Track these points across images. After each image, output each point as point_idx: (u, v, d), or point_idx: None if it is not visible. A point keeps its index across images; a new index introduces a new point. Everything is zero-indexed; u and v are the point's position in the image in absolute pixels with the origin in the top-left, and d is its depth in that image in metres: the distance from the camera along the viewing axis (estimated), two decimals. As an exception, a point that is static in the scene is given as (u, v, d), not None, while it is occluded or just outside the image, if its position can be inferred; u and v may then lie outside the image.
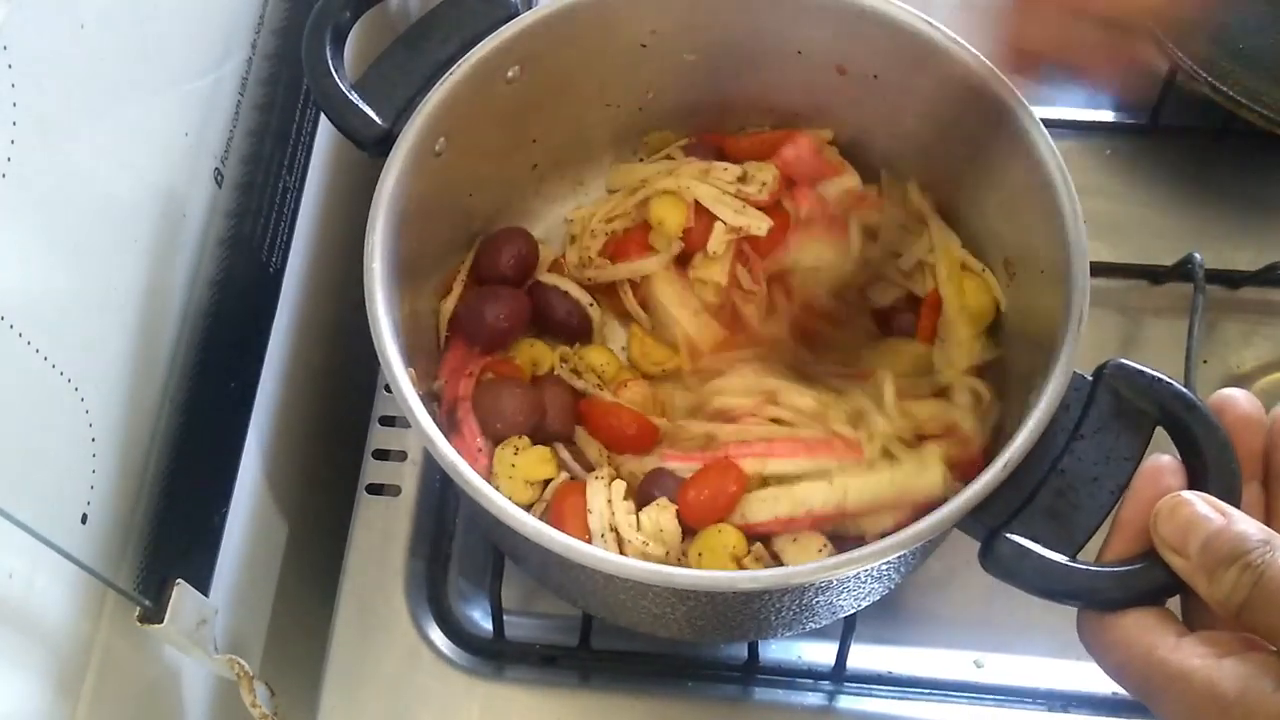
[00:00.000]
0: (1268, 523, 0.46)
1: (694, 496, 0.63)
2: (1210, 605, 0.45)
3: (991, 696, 0.69)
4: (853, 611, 0.64)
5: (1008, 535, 0.51)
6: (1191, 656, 0.44)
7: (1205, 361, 0.79)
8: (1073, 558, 0.52)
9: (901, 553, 0.52)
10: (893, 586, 0.64)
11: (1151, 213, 0.84)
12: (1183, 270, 0.78)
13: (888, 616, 0.71)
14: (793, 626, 0.63)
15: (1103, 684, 0.69)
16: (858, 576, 0.57)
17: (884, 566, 0.56)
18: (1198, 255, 0.76)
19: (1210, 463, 0.51)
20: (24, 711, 0.50)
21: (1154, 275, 0.81)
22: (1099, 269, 0.80)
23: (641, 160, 0.78)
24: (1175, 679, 0.43)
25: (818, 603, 0.60)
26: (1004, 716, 0.68)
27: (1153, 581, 0.49)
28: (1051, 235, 0.59)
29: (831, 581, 0.56)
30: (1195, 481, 0.52)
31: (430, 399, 0.66)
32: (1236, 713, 0.41)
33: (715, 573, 0.59)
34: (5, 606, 0.48)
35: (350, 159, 0.81)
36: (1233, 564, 0.43)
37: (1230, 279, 0.81)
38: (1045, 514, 0.53)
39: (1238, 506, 0.48)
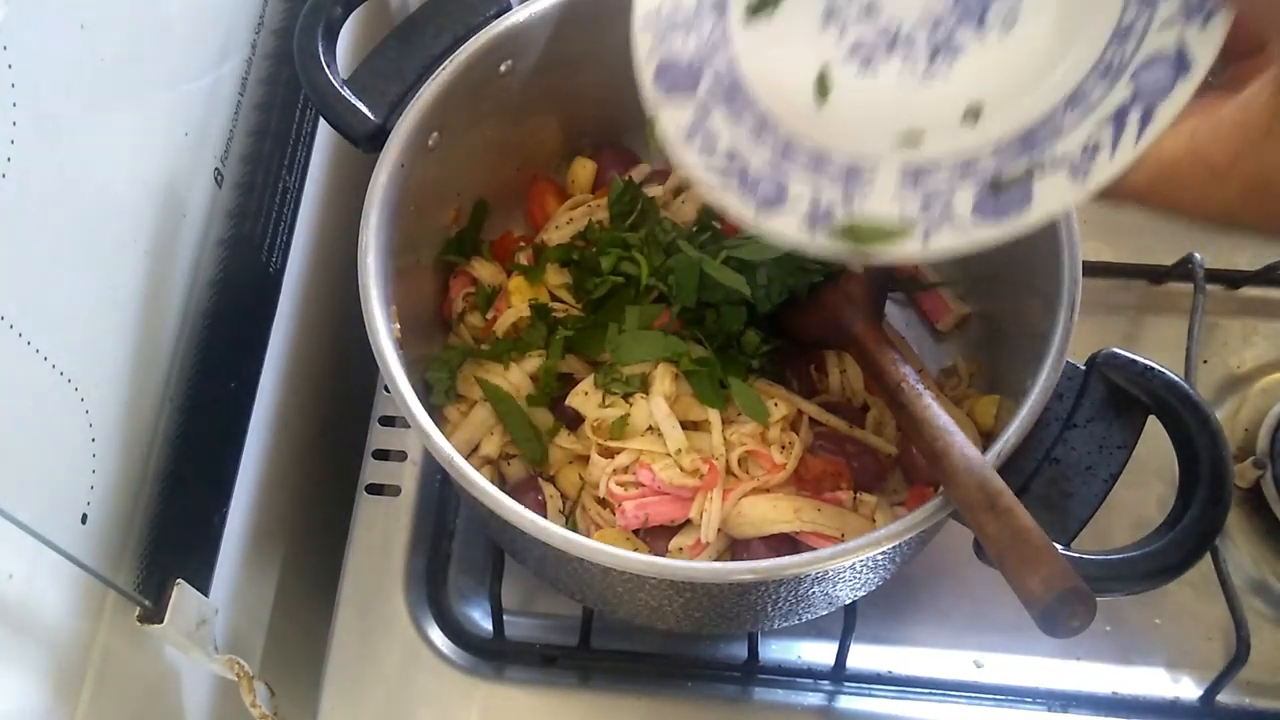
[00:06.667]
0: None
1: None
2: None
3: (991, 696, 0.69)
4: (850, 601, 0.64)
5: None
6: None
7: (1205, 361, 0.79)
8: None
9: (896, 543, 0.52)
10: (889, 576, 0.64)
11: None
12: (1183, 270, 0.78)
13: (888, 616, 0.71)
14: (790, 617, 0.63)
15: (1103, 684, 0.69)
16: (853, 567, 0.57)
17: (879, 556, 0.57)
18: (1198, 255, 0.76)
19: (1202, 450, 0.52)
20: (24, 711, 0.50)
21: (1154, 275, 0.81)
22: (1099, 269, 0.80)
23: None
24: None
25: (814, 593, 0.60)
26: (1004, 716, 0.69)
27: (1149, 566, 0.49)
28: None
29: (827, 572, 0.56)
30: (1187, 467, 0.52)
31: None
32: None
33: (712, 564, 0.59)
34: (5, 606, 0.48)
35: (350, 158, 0.81)
36: None
37: (1230, 279, 0.81)
38: (1039, 503, 0.53)
39: (1228, 496, 0.47)
